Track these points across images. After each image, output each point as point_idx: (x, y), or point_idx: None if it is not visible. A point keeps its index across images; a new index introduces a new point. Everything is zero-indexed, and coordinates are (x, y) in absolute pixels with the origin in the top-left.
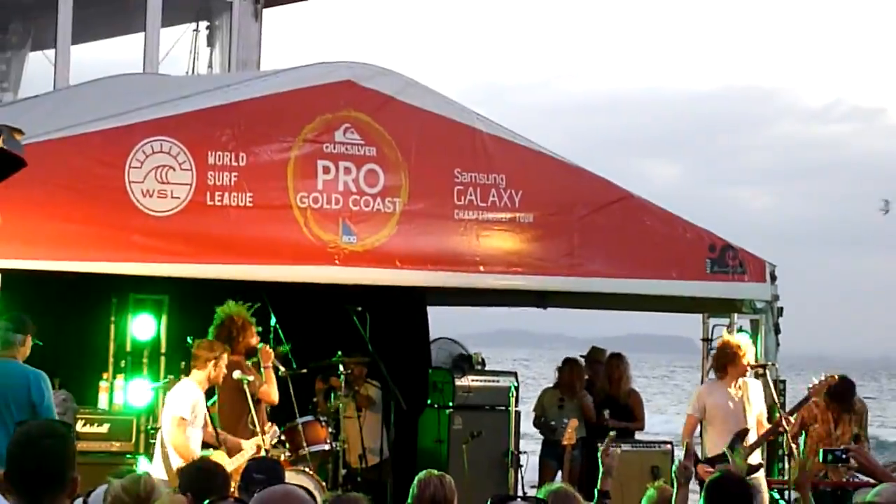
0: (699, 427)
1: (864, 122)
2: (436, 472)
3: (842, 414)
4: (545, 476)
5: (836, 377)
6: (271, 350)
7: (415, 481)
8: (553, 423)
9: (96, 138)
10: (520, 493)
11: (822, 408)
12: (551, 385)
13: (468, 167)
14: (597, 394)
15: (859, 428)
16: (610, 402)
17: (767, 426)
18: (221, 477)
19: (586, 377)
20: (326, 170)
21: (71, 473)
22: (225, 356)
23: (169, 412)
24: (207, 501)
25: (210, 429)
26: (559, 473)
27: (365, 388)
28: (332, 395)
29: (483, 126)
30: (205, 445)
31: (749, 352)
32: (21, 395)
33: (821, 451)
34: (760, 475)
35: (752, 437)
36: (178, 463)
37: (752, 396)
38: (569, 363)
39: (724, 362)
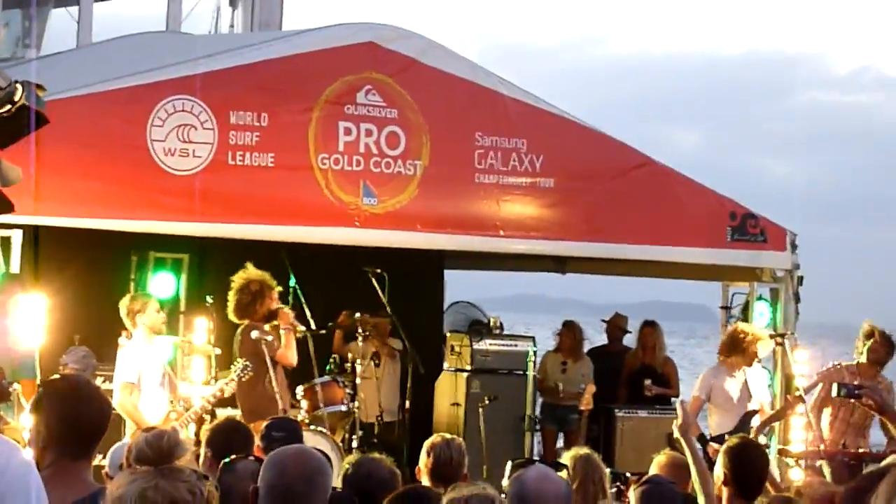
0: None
1: (889, 90)
2: (447, 434)
3: (871, 381)
4: (547, 441)
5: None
6: (290, 312)
7: (425, 444)
8: (559, 386)
9: (118, 96)
10: (536, 457)
11: (852, 373)
12: (552, 349)
13: (489, 131)
14: (629, 362)
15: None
16: (647, 371)
17: (769, 412)
18: (244, 435)
19: (605, 344)
20: (348, 131)
21: (105, 427)
22: (151, 302)
23: (117, 378)
24: (228, 459)
25: (175, 381)
26: (560, 437)
27: (390, 340)
28: (354, 337)
29: (505, 90)
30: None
31: (762, 344)
32: None
33: (834, 385)
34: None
35: (756, 420)
36: (130, 426)
37: (757, 383)
38: (568, 326)
39: (734, 349)
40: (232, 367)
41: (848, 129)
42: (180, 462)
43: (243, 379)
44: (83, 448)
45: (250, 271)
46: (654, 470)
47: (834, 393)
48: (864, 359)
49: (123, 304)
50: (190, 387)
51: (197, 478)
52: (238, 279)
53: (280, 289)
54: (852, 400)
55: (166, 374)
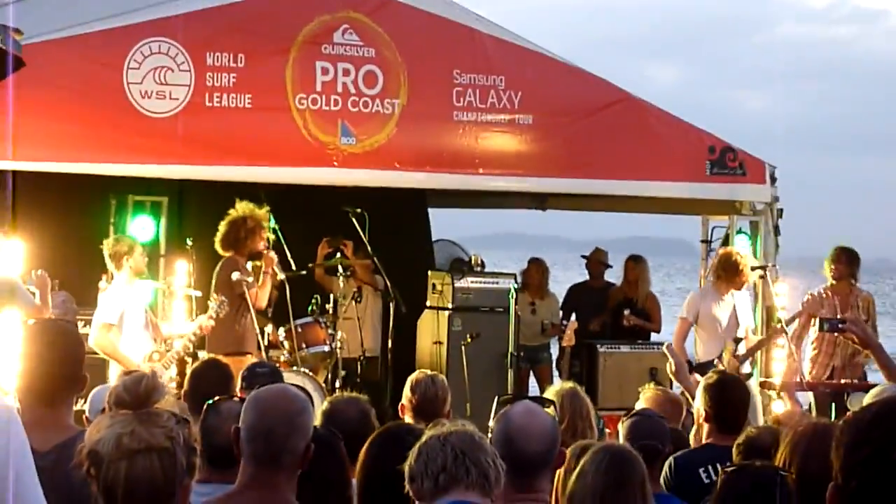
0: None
1: (867, 23)
2: (429, 371)
3: (847, 297)
4: (520, 378)
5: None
6: (274, 257)
7: (407, 382)
8: (542, 326)
9: (95, 39)
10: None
11: (828, 295)
12: (517, 288)
13: (467, 68)
14: (613, 296)
15: (867, 315)
16: (628, 304)
17: (756, 338)
18: (225, 376)
19: (586, 280)
20: (325, 71)
21: (83, 373)
22: (137, 246)
23: (96, 318)
24: (212, 401)
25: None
26: (531, 374)
27: (372, 278)
28: (335, 270)
29: (482, 27)
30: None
31: (749, 265)
32: None
33: (816, 320)
34: (751, 383)
35: (742, 348)
36: (114, 370)
37: (744, 308)
38: (533, 263)
39: (725, 272)
40: (209, 302)
41: (825, 61)
42: (160, 405)
43: (220, 315)
44: (50, 396)
45: (245, 207)
46: (642, 404)
47: (816, 328)
48: (832, 279)
49: (107, 246)
50: (170, 326)
51: (176, 422)
52: (233, 212)
53: (276, 227)
54: (836, 334)
55: (148, 315)
